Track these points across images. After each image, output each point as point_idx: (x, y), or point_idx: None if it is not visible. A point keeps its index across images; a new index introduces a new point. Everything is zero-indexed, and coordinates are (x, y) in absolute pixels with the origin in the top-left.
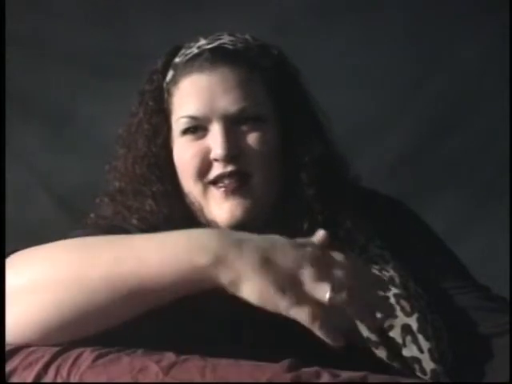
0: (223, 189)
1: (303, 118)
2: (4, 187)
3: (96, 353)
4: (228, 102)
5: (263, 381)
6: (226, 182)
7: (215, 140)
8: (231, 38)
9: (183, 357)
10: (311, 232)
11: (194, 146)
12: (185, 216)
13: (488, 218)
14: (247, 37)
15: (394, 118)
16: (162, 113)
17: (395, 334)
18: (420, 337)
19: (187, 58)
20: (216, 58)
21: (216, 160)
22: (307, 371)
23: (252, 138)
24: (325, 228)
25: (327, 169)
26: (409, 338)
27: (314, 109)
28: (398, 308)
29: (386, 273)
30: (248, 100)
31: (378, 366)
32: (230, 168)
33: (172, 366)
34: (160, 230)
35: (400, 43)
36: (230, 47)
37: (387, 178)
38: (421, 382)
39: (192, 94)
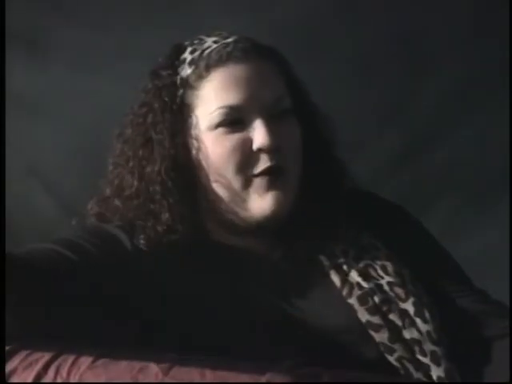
0: (265, 181)
1: (314, 116)
2: (4, 187)
3: (96, 353)
4: (268, 93)
5: (263, 381)
6: (270, 175)
7: (258, 130)
8: (237, 36)
9: (183, 357)
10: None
11: (232, 138)
12: (196, 228)
13: (488, 218)
14: (247, 37)
15: (395, 119)
16: (179, 110)
17: (394, 316)
18: (418, 320)
19: (210, 51)
20: (248, 49)
21: (261, 150)
22: (307, 371)
23: (287, 132)
24: (319, 228)
25: (329, 167)
26: (407, 321)
27: (316, 110)
28: (392, 295)
29: (378, 261)
30: (280, 92)
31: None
32: (273, 161)
33: (172, 366)
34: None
35: (400, 43)
36: (247, 42)
37: (387, 177)
38: (421, 382)
39: (230, 85)
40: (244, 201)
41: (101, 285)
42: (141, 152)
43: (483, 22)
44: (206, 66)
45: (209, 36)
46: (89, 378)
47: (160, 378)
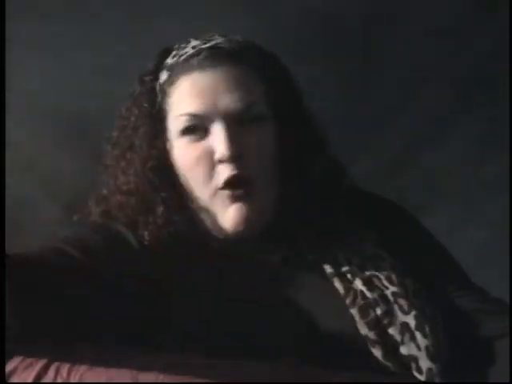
0: (229, 194)
1: (299, 120)
2: (4, 187)
3: (96, 352)
4: (231, 100)
5: (263, 381)
6: (232, 187)
7: (218, 139)
8: (224, 39)
9: (183, 357)
10: (306, 237)
11: (196, 147)
12: (189, 227)
13: (488, 218)
14: (238, 37)
15: (394, 118)
16: (158, 115)
17: (394, 331)
18: (418, 334)
19: (184, 57)
20: (216, 56)
21: (221, 161)
22: (307, 371)
23: (254, 139)
24: (318, 230)
25: (323, 172)
26: (407, 336)
27: (309, 110)
28: (396, 306)
29: (383, 272)
30: (250, 98)
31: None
32: (235, 170)
33: (172, 366)
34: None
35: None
36: (227, 46)
37: (387, 177)
38: (421, 382)
39: (193, 93)
40: (213, 212)
41: (110, 283)
42: (128, 154)
43: (483, 21)
44: (176, 73)
45: (196, 39)
46: (89, 378)
47: (160, 378)
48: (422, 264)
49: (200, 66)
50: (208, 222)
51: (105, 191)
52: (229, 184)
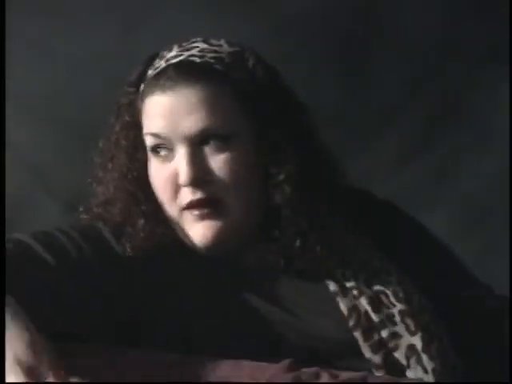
0: (195, 213)
1: (279, 132)
2: (4, 187)
3: (96, 352)
4: (190, 124)
5: (263, 381)
6: (197, 207)
7: (180, 165)
8: (203, 47)
9: (184, 357)
10: (304, 250)
11: (163, 169)
12: (174, 238)
13: (488, 218)
14: (222, 43)
15: (394, 118)
16: (138, 128)
17: (400, 354)
18: (424, 357)
19: (155, 72)
20: (179, 76)
21: (184, 185)
22: (307, 371)
23: (219, 161)
24: (318, 245)
25: (310, 184)
26: (413, 359)
27: (297, 116)
28: (403, 327)
29: (389, 287)
30: (213, 119)
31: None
32: (198, 195)
33: (172, 365)
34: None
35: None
36: (198, 60)
37: (386, 177)
38: (421, 382)
39: (155, 114)
40: (184, 228)
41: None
42: (109, 165)
43: (483, 21)
44: (146, 89)
45: (178, 46)
46: (89, 378)
47: (161, 378)
48: (424, 262)
49: (162, 88)
50: (184, 236)
51: (92, 200)
52: (192, 206)
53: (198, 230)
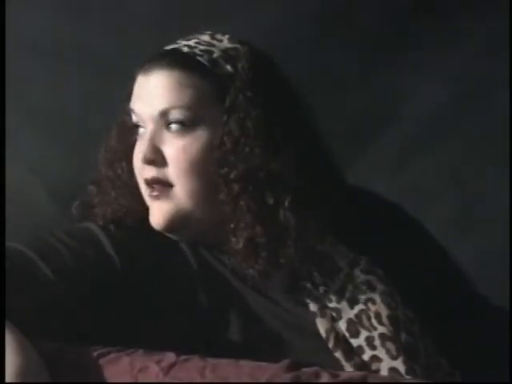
0: (151, 194)
1: (250, 128)
2: (4, 187)
3: (96, 352)
4: (156, 103)
5: (263, 381)
6: (151, 187)
7: (143, 142)
8: (202, 39)
9: (183, 357)
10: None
11: (138, 146)
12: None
13: (487, 218)
14: (224, 38)
15: (394, 118)
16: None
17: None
18: (408, 378)
19: (150, 57)
20: (162, 61)
21: (143, 163)
22: (307, 371)
23: (176, 146)
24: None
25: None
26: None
27: (284, 115)
28: (383, 351)
29: (371, 306)
30: (176, 103)
31: None
32: (151, 173)
33: (172, 366)
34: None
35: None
36: (185, 49)
37: (386, 177)
38: (420, 382)
39: (135, 93)
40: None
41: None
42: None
43: (483, 20)
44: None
45: (183, 40)
46: (89, 377)
47: (160, 378)
48: (420, 265)
49: (145, 70)
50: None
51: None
52: (147, 184)
53: (153, 211)
